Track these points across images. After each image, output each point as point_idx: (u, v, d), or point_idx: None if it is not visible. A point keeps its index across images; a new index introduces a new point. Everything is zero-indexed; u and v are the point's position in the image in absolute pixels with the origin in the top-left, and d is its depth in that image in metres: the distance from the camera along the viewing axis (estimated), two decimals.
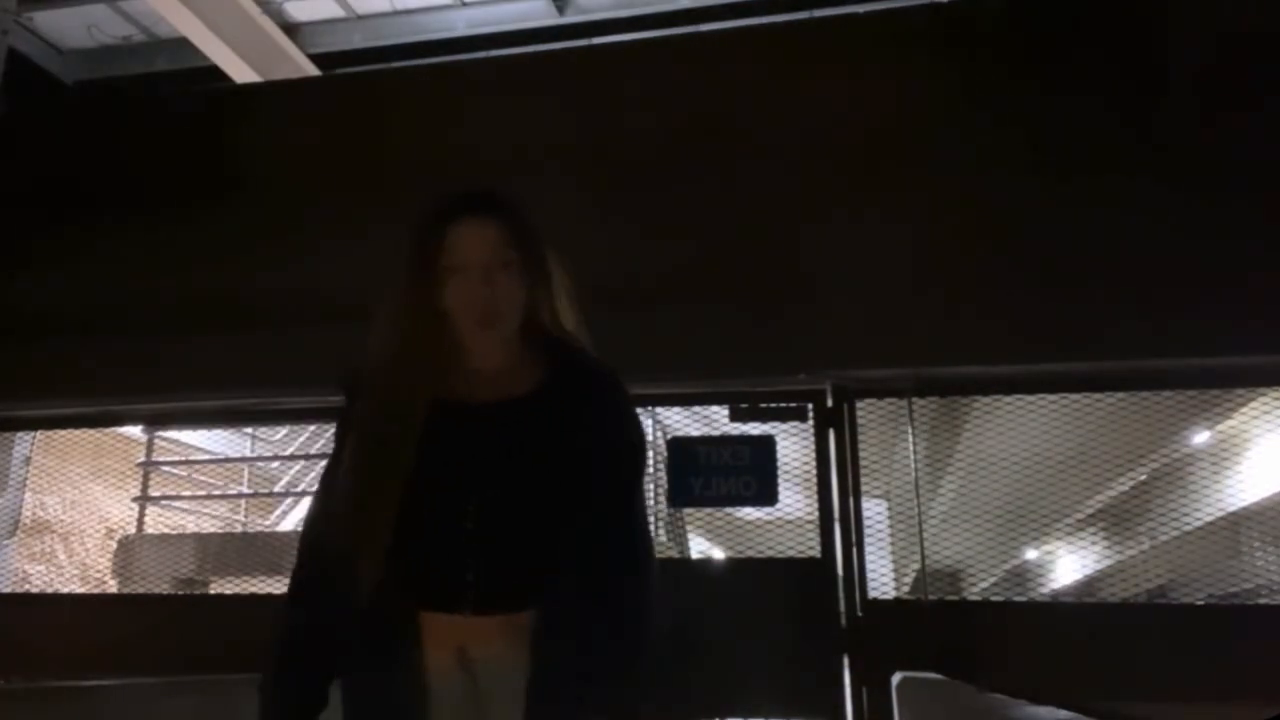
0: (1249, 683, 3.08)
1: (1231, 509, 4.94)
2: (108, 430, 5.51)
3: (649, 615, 1.53)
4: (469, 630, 1.48)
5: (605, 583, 1.49)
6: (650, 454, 4.52)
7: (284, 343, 4.01)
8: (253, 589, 4.87)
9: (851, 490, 3.66)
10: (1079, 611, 4.45)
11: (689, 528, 5.69)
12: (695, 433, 3.99)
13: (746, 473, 3.75)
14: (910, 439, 3.83)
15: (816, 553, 3.64)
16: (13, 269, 4.48)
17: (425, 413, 1.52)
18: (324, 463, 1.73)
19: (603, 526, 1.52)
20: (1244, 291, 3.44)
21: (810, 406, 3.80)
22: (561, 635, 1.45)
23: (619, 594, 1.50)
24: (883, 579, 3.66)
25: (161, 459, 6.39)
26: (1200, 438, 5.07)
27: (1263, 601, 4.40)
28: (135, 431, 5.76)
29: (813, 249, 3.78)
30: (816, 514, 3.69)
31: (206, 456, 7.12)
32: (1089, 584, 7.67)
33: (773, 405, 3.82)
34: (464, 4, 8.41)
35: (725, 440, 3.83)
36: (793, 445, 3.85)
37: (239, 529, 7.21)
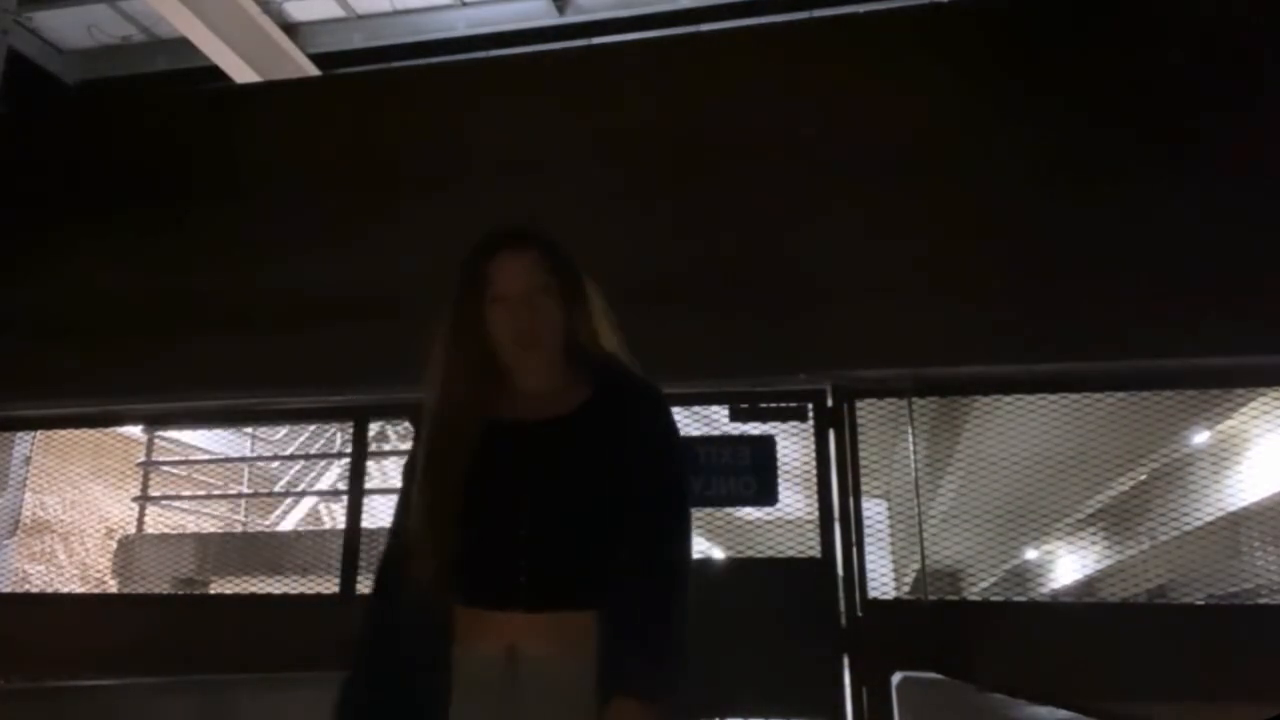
0: (1249, 683, 3.08)
1: (1231, 509, 4.93)
2: (108, 430, 5.51)
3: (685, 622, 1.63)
4: (522, 627, 1.56)
5: (658, 589, 1.59)
6: None
7: (284, 343, 4.02)
8: (253, 589, 4.87)
9: (851, 490, 3.66)
10: (1079, 611, 4.45)
11: None
12: (695, 433, 3.99)
13: (746, 473, 3.75)
14: (910, 439, 3.83)
15: (816, 553, 3.65)
16: (12, 269, 4.48)
17: (478, 430, 1.64)
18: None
19: (658, 534, 1.62)
20: (1244, 292, 3.44)
21: (810, 406, 3.80)
22: (630, 638, 1.53)
23: (668, 601, 1.60)
24: (883, 579, 3.66)
25: (161, 459, 6.39)
26: (1200, 438, 5.07)
27: (1263, 601, 4.40)
28: (135, 431, 5.76)
29: (813, 249, 3.78)
30: (816, 514, 3.69)
31: (206, 456, 7.11)
32: (1089, 584, 7.66)
33: (773, 405, 3.82)
34: (464, 4, 8.40)
35: (725, 440, 3.83)
36: (793, 445, 3.85)
37: (239, 529, 7.20)
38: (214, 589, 5.81)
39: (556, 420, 1.67)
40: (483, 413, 1.67)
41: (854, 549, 3.59)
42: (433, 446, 1.67)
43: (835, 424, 3.74)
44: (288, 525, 7.49)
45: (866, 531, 3.62)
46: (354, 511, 4.13)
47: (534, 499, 1.62)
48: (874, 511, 3.79)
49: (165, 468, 6.60)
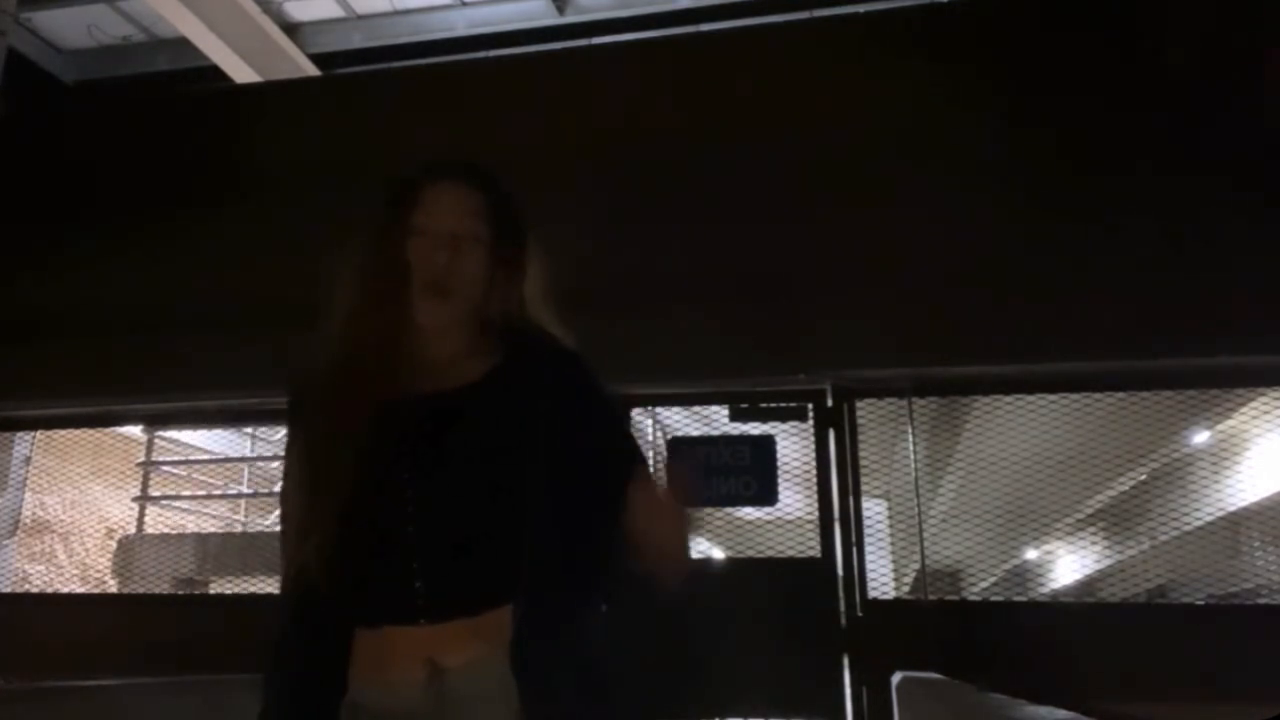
0: (1249, 683, 3.08)
1: (1231, 509, 4.94)
2: (108, 430, 5.51)
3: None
4: (434, 639, 1.33)
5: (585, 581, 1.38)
6: (650, 454, 4.53)
7: (284, 343, 4.00)
8: (253, 589, 4.87)
9: (851, 490, 3.66)
10: (1079, 611, 4.45)
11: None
12: (695, 433, 3.99)
13: (746, 473, 3.75)
14: (910, 439, 3.83)
15: (816, 553, 3.65)
16: (12, 269, 4.48)
17: (373, 406, 1.36)
18: None
19: (591, 519, 1.38)
20: (1244, 292, 3.44)
21: (810, 406, 3.80)
22: (547, 637, 1.32)
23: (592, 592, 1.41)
24: (883, 579, 3.66)
25: (161, 459, 6.39)
26: (1200, 438, 5.07)
27: (1263, 601, 4.40)
28: (135, 431, 5.76)
29: (813, 249, 3.78)
30: (816, 514, 3.69)
31: (206, 456, 7.11)
32: (1089, 584, 7.67)
33: (773, 405, 3.82)
34: (464, 4, 8.42)
35: (725, 440, 3.83)
36: (793, 445, 3.85)
37: (239, 529, 7.20)
38: (214, 589, 5.81)
39: (455, 391, 1.41)
40: (385, 383, 1.39)
41: (854, 549, 3.59)
42: (320, 429, 1.39)
43: (835, 424, 3.74)
44: None
45: (866, 531, 3.62)
46: None
47: (424, 489, 1.36)
48: (874, 511, 3.79)
49: (165, 468, 6.60)
